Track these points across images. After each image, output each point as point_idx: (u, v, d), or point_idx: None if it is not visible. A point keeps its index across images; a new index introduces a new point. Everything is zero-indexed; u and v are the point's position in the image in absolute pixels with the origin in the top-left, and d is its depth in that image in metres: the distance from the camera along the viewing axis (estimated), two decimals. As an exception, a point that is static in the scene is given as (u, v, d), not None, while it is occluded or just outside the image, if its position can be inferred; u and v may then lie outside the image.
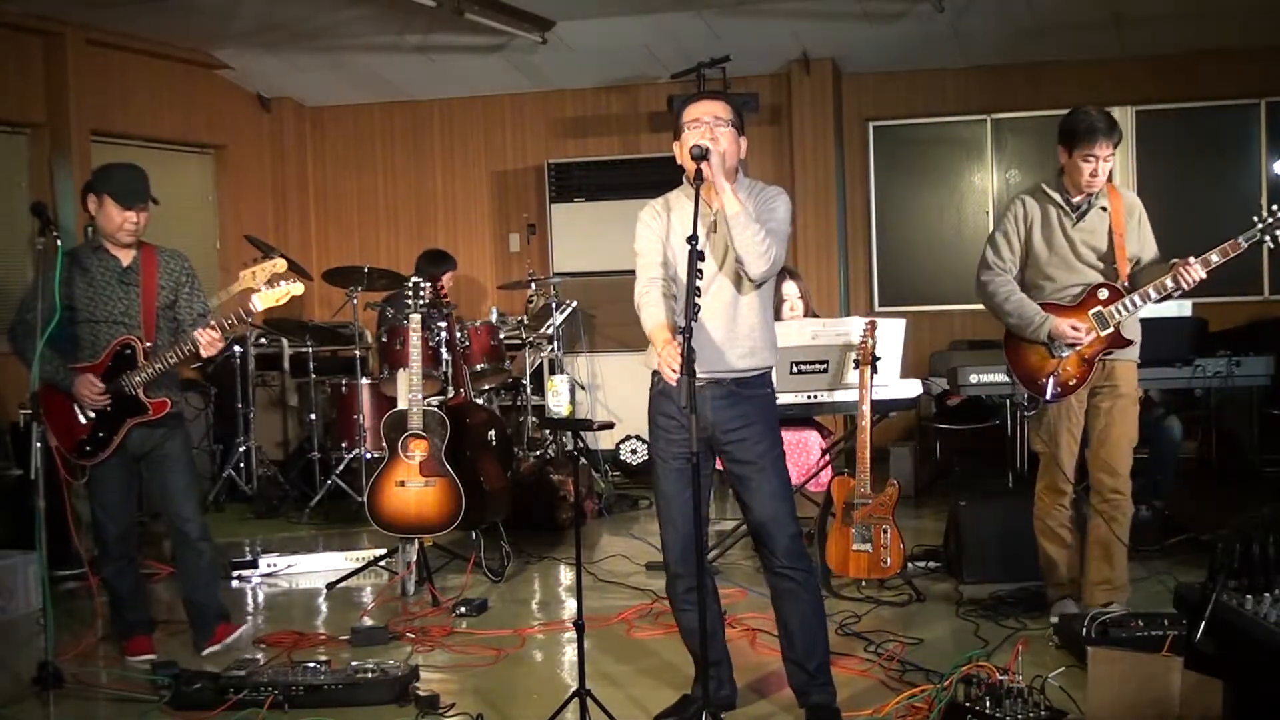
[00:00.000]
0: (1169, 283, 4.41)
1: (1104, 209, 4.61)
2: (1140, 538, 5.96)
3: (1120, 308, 4.53)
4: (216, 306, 4.93)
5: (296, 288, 4.78)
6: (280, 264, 6.13)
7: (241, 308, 4.64)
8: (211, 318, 4.68)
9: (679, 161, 3.70)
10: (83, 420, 4.65)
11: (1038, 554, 4.83)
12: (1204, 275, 4.39)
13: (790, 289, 6.00)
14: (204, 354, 4.58)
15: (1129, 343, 4.59)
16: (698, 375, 3.58)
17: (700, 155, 3.51)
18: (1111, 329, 4.54)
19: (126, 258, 4.70)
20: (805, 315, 6.01)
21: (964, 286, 9.08)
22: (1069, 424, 4.66)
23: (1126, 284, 4.56)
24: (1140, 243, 4.64)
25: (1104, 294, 4.55)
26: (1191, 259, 4.36)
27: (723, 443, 3.74)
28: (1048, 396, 4.59)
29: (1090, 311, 4.55)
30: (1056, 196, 4.66)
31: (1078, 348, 4.55)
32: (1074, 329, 4.52)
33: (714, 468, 3.94)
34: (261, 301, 4.67)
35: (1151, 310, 5.88)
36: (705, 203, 3.61)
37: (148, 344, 4.63)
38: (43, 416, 4.65)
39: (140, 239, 4.73)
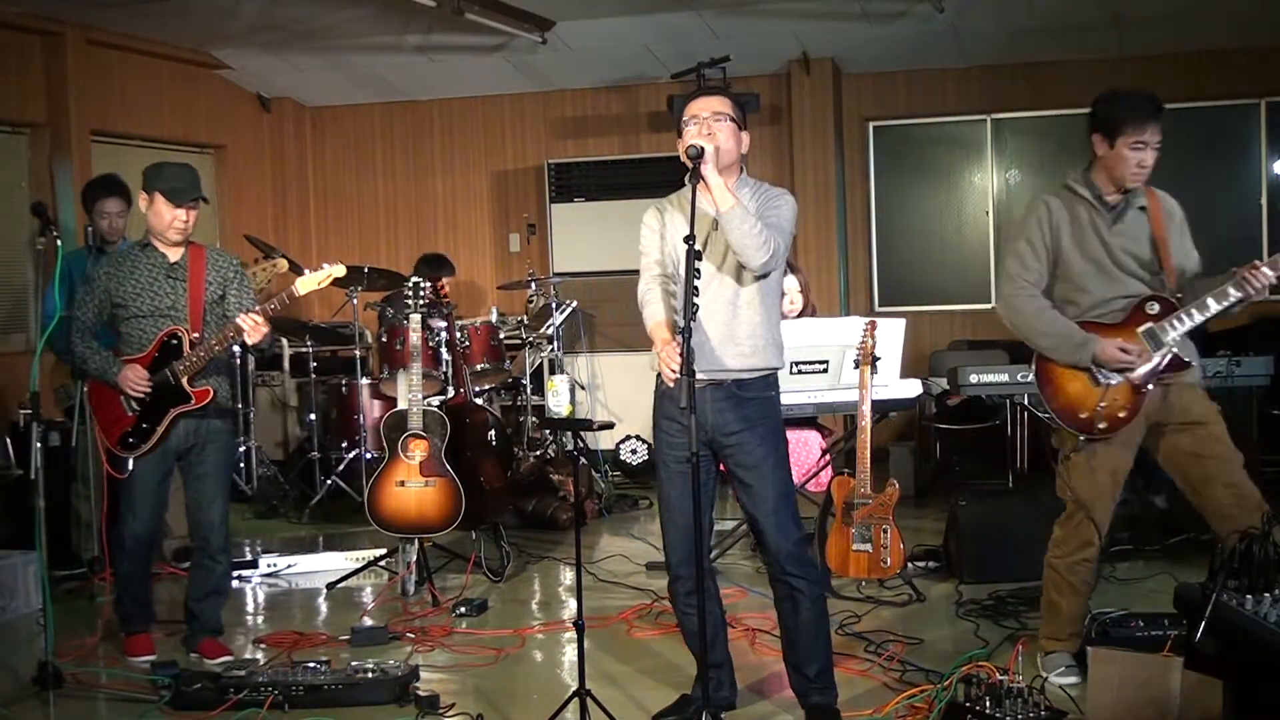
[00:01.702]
0: (1233, 291, 3.76)
1: (1142, 209, 3.99)
2: (1143, 537, 5.98)
3: (1174, 322, 3.86)
4: None
5: (339, 269, 4.81)
6: (281, 264, 6.15)
7: (285, 293, 4.65)
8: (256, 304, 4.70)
9: (682, 159, 3.67)
10: (128, 413, 4.65)
11: (1044, 598, 4.19)
12: (1274, 279, 3.75)
13: (790, 283, 5.99)
14: (247, 339, 4.58)
15: (1187, 365, 3.91)
16: (698, 376, 3.60)
17: (696, 154, 3.50)
18: (1166, 349, 3.87)
19: (174, 254, 4.71)
20: (804, 308, 5.99)
21: (964, 286, 9.13)
22: (1116, 467, 4.00)
23: (1180, 295, 3.90)
24: (1183, 252, 3.99)
25: (1154, 308, 3.89)
26: (1259, 263, 3.73)
27: (723, 445, 3.73)
28: (1094, 433, 3.92)
29: (1139, 329, 3.89)
30: (1087, 194, 3.98)
31: (1129, 374, 3.88)
32: (1123, 351, 3.84)
33: (716, 470, 3.91)
34: (304, 286, 4.69)
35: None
36: (709, 202, 3.59)
37: (194, 335, 4.64)
38: (91, 412, 4.74)
39: (188, 239, 4.74)
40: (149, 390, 4.61)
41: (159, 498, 4.79)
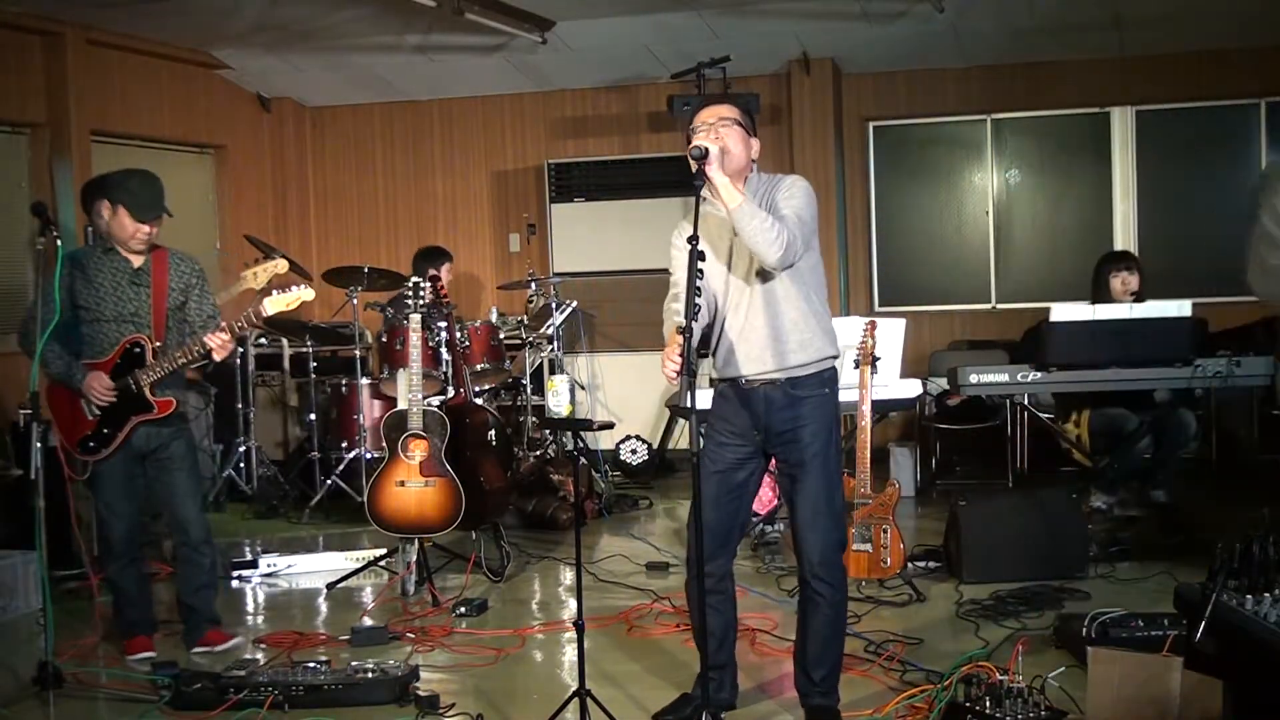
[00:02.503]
0: None
1: None
2: (1143, 537, 5.98)
3: None
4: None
5: (307, 293, 4.80)
6: (281, 265, 6.15)
7: (252, 311, 4.66)
8: (222, 320, 4.70)
9: (693, 171, 3.64)
10: (89, 416, 4.66)
11: None
12: None
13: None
14: (216, 356, 4.62)
15: None
16: (752, 377, 3.67)
17: (700, 155, 3.50)
18: None
19: (137, 260, 4.73)
20: None
21: (964, 286, 9.13)
22: None
23: None
24: None
25: None
26: None
27: (774, 445, 3.75)
28: None
29: None
30: None
31: None
32: None
33: (763, 471, 3.88)
34: (272, 306, 4.69)
35: (1150, 310, 5.92)
36: (723, 206, 3.60)
37: (157, 343, 4.66)
38: (48, 412, 4.71)
39: (152, 243, 4.75)
40: (114, 399, 4.62)
41: (134, 495, 4.81)
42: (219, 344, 4.56)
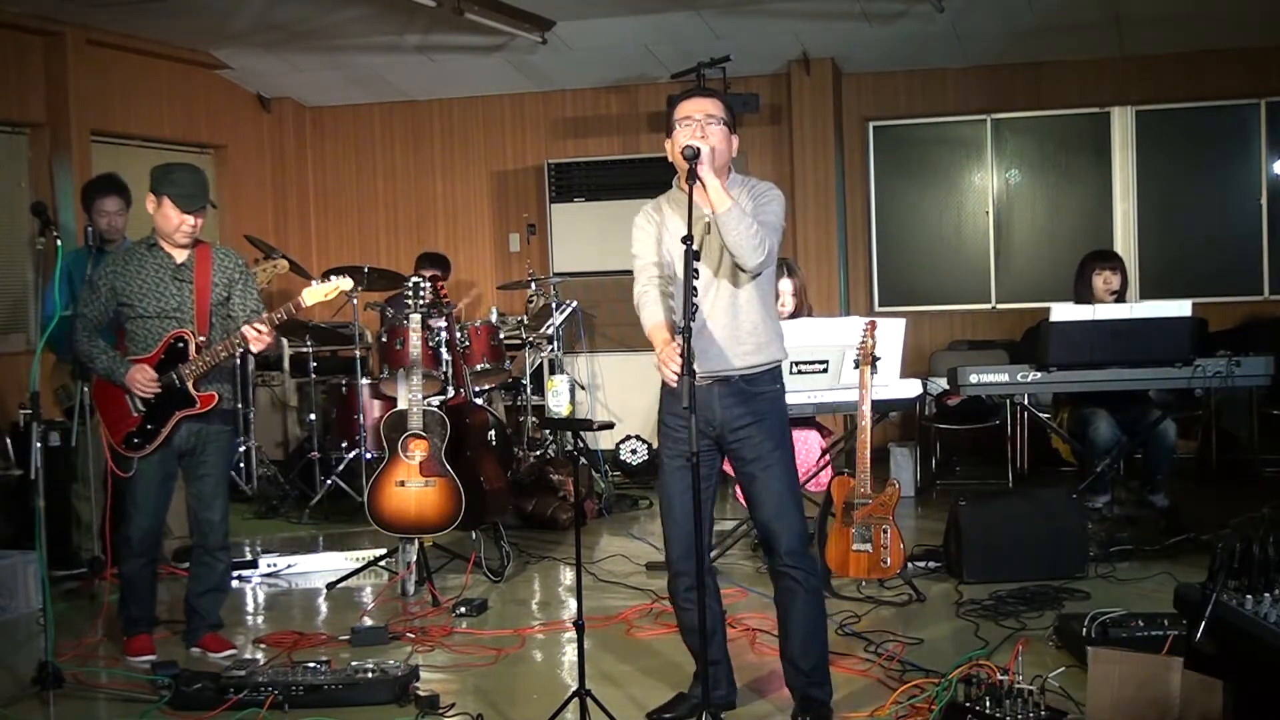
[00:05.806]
0: None
1: None
2: (1143, 537, 5.98)
3: None
4: None
5: (346, 282, 4.81)
6: (282, 265, 6.16)
7: (292, 303, 4.67)
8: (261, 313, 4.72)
9: (670, 160, 3.70)
10: (133, 413, 4.67)
11: None
12: None
13: (784, 285, 5.97)
14: (252, 349, 4.64)
15: None
16: (706, 374, 3.64)
17: (693, 155, 3.50)
18: None
19: (181, 255, 4.73)
20: (798, 310, 5.94)
21: (964, 286, 9.13)
22: None
23: None
24: None
25: None
26: None
27: (729, 441, 3.75)
28: None
29: None
30: None
31: None
32: None
33: (720, 468, 3.92)
34: (310, 296, 4.71)
35: (1150, 310, 5.93)
36: (700, 204, 3.59)
37: (200, 338, 4.67)
38: (96, 410, 4.75)
39: (196, 237, 4.76)
40: (158, 391, 4.63)
41: (163, 496, 4.81)
42: (255, 336, 4.57)
